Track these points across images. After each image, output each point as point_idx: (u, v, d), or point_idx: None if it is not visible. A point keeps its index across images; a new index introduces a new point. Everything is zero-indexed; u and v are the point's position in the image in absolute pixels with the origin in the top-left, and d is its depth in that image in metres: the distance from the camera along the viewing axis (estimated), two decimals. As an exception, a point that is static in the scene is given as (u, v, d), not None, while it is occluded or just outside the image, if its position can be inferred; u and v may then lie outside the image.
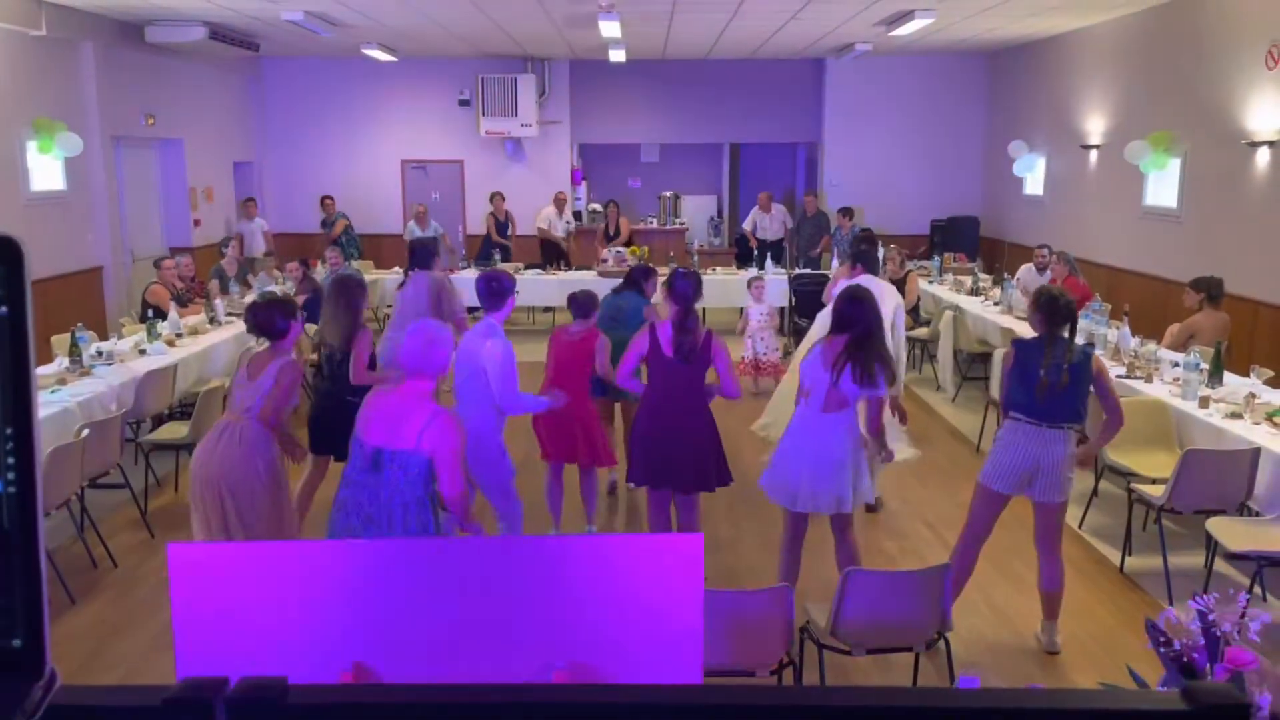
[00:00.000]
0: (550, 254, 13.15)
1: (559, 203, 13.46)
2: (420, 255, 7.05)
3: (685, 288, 4.98)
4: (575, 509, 6.04)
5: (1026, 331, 8.27)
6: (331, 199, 13.37)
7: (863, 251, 6.77)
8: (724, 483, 5.12)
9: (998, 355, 6.87)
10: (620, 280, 6.88)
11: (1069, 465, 4.54)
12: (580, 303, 5.73)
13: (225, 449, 4.51)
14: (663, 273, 6.76)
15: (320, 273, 11.03)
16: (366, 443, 3.73)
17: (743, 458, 7.27)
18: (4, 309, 0.47)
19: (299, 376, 4.73)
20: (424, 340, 3.74)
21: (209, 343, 8.05)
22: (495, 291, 5.13)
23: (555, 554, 2.51)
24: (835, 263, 12.32)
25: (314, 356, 6.76)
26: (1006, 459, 4.54)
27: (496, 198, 13.47)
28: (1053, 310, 4.55)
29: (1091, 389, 4.56)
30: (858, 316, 4.50)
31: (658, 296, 6.35)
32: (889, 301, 6.35)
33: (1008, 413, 4.62)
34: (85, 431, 5.59)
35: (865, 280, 6.52)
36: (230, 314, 8.79)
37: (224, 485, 4.49)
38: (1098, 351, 7.26)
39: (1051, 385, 4.45)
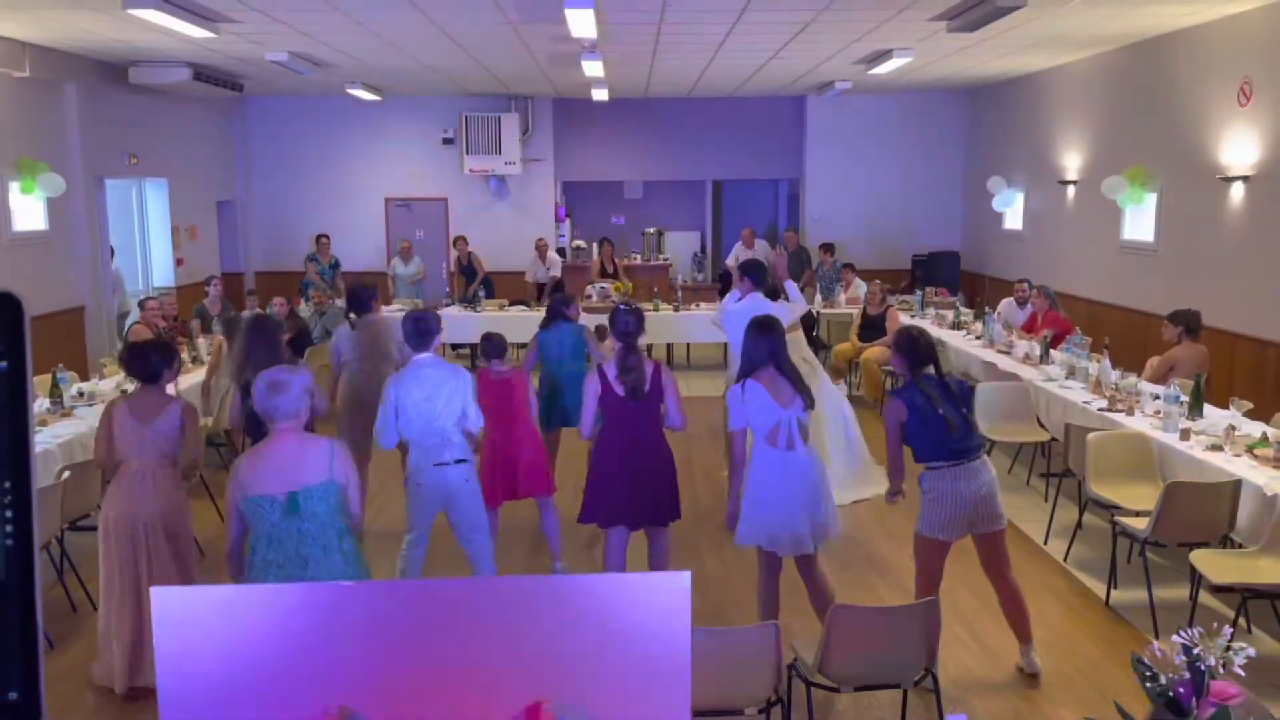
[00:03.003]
0: (540, 295, 13.22)
1: (539, 250, 13.53)
2: (360, 300, 6.92)
3: (627, 324, 5.01)
4: (511, 549, 6.01)
5: (1009, 364, 8.34)
6: (327, 238, 13.22)
7: (751, 265, 6.93)
8: (674, 517, 5.12)
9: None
10: (546, 316, 6.95)
11: (997, 488, 4.59)
12: (494, 344, 5.88)
13: (151, 495, 4.58)
14: (647, 308, 6.82)
15: (305, 310, 11.02)
16: (276, 492, 3.66)
17: (726, 494, 7.26)
18: (3, 364, 0.48)
19: (197, 418, 4.82)
20: (266, 386, 3.72)
21: (190, 382, 8.01)
22: (423, 331, 5.18)
23: (541, 593, 2.50)
24: (819, 298, 12.41)
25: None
26: (946, 511, 4.52)
27: (459, 241, 13.52)
28: (913, 351, 4.56)
29: None
30: (774, 344, 4.58)
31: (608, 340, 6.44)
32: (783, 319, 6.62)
33: (925, 463, 4.57)
34: (65, 473, 5.54)
35: (753, 298, 6.68)
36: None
37: (163, 530, 4.59)
38: (1069, 384, 7.34)
39: (960, 421, 4.45)
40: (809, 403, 4.59)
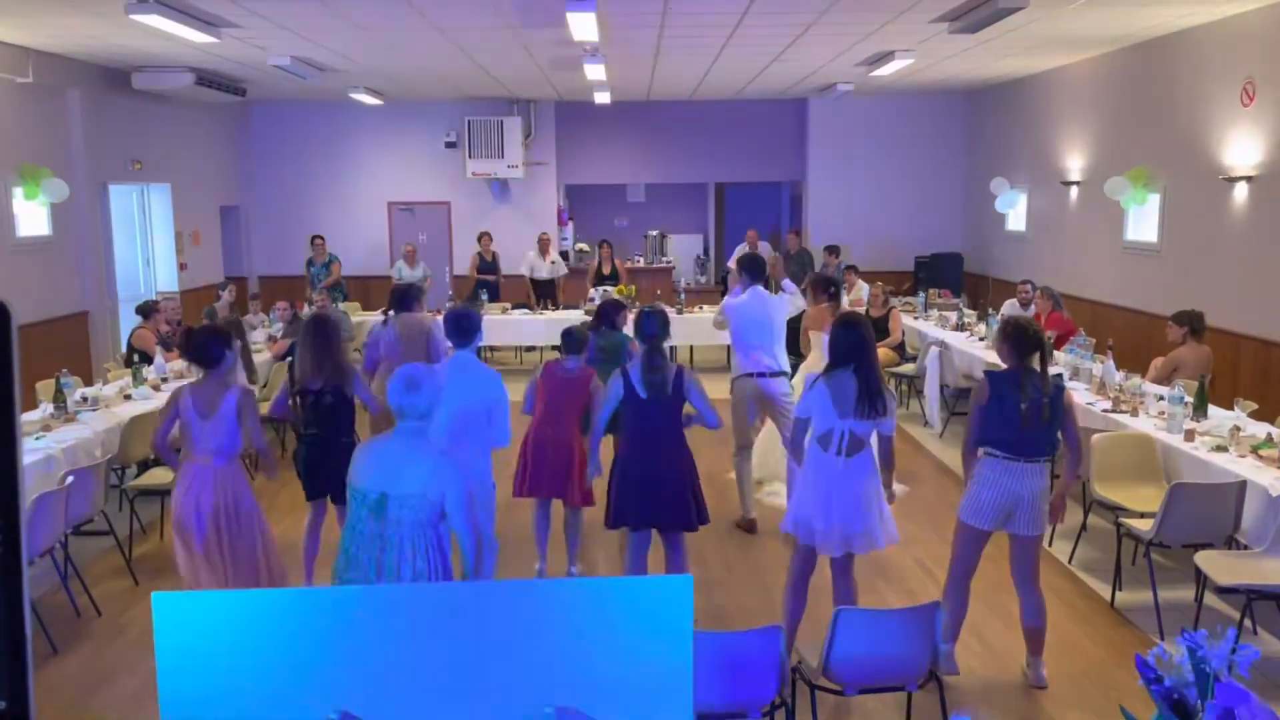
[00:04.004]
0: (540, 294, 13.22)
1: (541, 244, 13.53)
2: (403, 299, 7.22)
3: (651, 327, 5.04)
4: (556, 548, 6.05)
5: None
6: (322, 238, 13.33)
7: (748, 260, 6.94)
8: (703, 521, 5.12)
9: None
10: (593, 319, 7.03)
11: (1046, 498, 4.54)
12: (575, 339, 5.82)
13: (216, 490, 4.64)
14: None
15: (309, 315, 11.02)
16: (369, 490, 3.69)
17: (732, 497, 7.25)
18: (-9, 371, 0.48)
19: (254, 400, 4.93)
20: (404, 383, 3.74)
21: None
22: (465, 329, 5.27)
23: (544, 597, 2.50)
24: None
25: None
26: (986, 496, 4.50)
27: (484, 237, 13.55)
28: (1021, 340, 4.49)
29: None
30: (856, 343, 4.51)
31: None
32: (779, 312, 6.62)
33: (980, 447, 4.54)
34: (69, 478, 5.54)
35: (754, 291, 6.66)
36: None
37: (217, 519, 4.63)
38: (1073, 385, 7.32)
39: (1034, 418, 4.40)
40: (879, 412, 4.47)
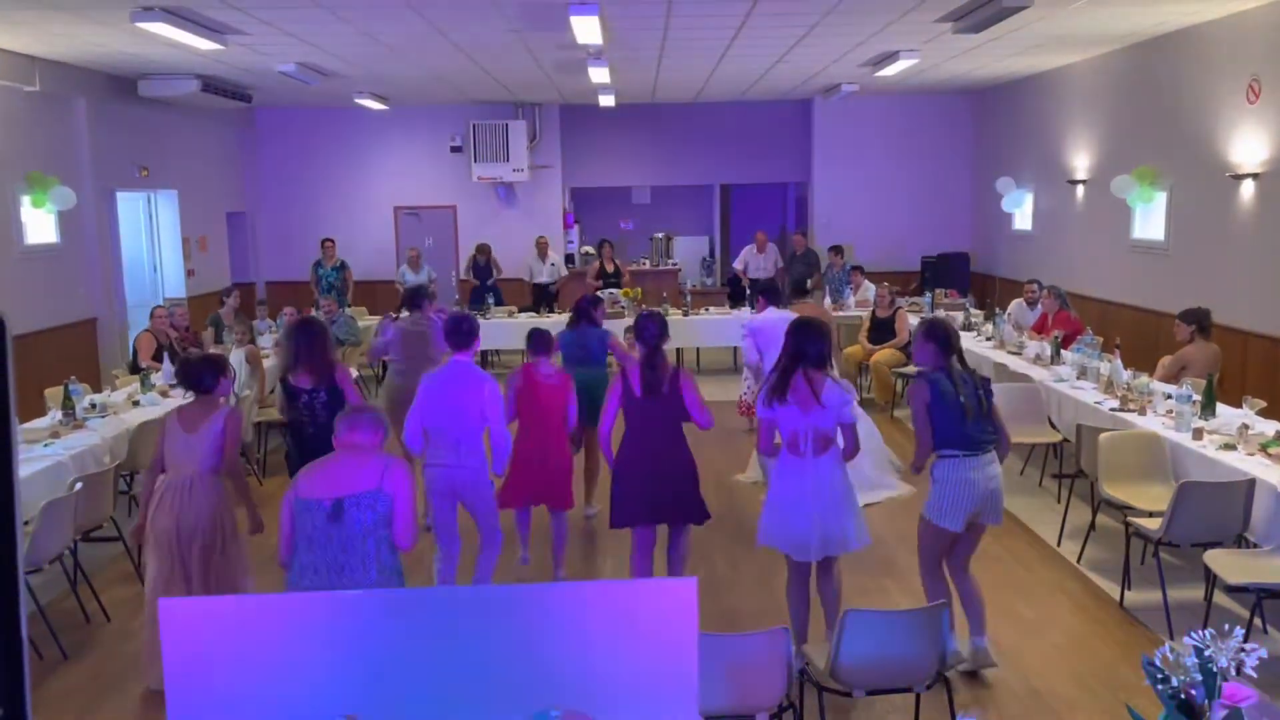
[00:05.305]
0: (538, 298, 13.25)
1: (540, 247, 13.56)
2: (411, 298, 7.50)
3: (651, 330, 5.10)
4: (537, 546, 6.11)
5: (1020, 365, 8.30)
6: (332, 242, 13.29)
7: (765, 287, 7.28)
8: (699, 518, 5.16)
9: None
10: (571, 316, 7.08)
11: (1002, 485, 4.62)
12: (542, 340, 5.88)
13: (195, 503, 4.64)
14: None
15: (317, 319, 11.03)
16: (322, 499, 3.73)
17: (738, 497, 7.25)
18: (-14, 381, 0.48)
19: (240, 423, 4.98)
20: (347, 424, 3.93)
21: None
22: (466, 332, 5.36)
23: (549, 600, 2.51)
24: (828, 300, 12.38)
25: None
26: (958, 498, 4.53)
27: (481, 248, 13.66)
28: (946, 339, 4.59)
29: None
30: (801, 346, 4.56)
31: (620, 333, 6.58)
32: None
33: (938, 451, 4.57)
34: (78, 485, 5.56)
35: (770, 312, 6.97)
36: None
37: (203, 537, 4.62)
38: (1080, 384, 7.31)
39: (975, 410, 4.49)
40: (828, 400, 4.53)
